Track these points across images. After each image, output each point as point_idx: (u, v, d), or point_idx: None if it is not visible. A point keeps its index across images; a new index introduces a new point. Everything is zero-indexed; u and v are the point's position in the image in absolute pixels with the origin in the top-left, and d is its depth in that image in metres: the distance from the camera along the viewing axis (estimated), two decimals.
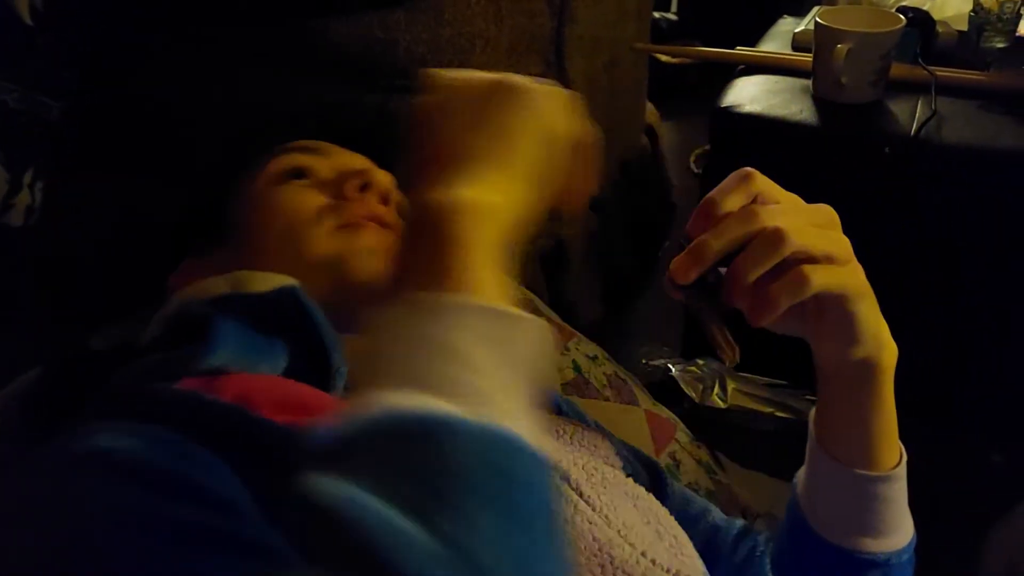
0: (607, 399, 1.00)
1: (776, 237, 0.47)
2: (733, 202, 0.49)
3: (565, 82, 1.27)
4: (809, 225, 0.49)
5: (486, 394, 0.34)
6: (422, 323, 0.36)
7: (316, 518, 0.30)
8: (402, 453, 0.32)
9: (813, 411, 0.61)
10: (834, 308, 0.51)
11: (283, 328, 0.58)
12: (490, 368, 0.35)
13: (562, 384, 0.99)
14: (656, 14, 2.39)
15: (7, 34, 1.02)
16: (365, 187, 0.68)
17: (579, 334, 1.08)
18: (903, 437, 0.60)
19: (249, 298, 0.59)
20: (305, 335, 0.57)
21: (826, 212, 0.52)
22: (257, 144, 0.77)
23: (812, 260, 0.48)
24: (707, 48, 1.56)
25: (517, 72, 1.21)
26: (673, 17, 2.54)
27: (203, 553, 0.37)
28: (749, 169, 0.51)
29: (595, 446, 0.64)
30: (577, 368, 1.01)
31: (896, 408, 0.58)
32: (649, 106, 1.84)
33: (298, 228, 0.66)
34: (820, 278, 0.48)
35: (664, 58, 2.20)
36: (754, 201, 0.50)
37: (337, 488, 0.31)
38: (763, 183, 0.51)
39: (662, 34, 2.36)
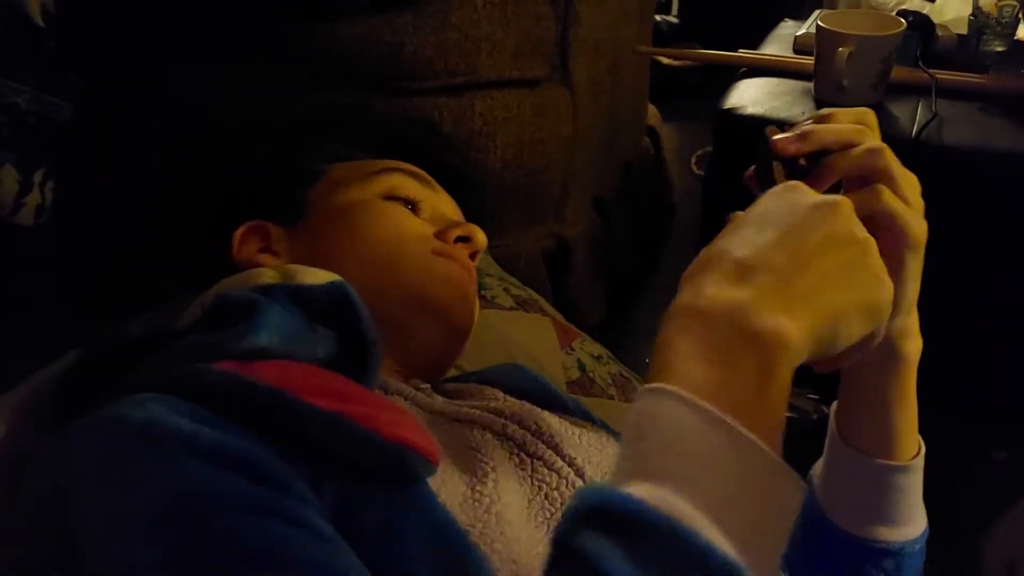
0: (611, 398, 1.01)
1: (879, 153, 0.52)
2: (846, 118, 0.54)
3: (569, 85, 1.28)
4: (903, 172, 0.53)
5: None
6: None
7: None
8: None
9: (834, 405, 0.63)
10: (890, 250, 0.52)
11: (326, 321, 0.59)
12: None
13: (567, 383, 1.00)
14: (657, 17, 2.40)
15: (19, 37, 1.03)
16: (463, 239, 0.73)
17: (584, 334, 1.09)
18: None
19: (297, 288, 0.61)
20: (347, 330, 0.59)
21: (917, 182, 0.55)
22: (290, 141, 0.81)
23: (893, 188, 0.52)
24: (709, 51, 1.57)
25: (523, 73, 1.23)
26: (674, 20, 2.55)
27: (261, 528, 0.41)
28: (865, 108, 0.55)
29: (602, 445, 0.66)
30: (582, 367, 1.02)
31: None
32: (651, 108, 1.85)
33: (402, 243, 0.70)
34: (892, 201, 0.51)
35: (666, 60, 2.21)
36: None
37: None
38: (874, 124, 0.55)
39: (663, 37, 2.37)
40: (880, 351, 0.55)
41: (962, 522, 1.13)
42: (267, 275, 0.63)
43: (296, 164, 0.79)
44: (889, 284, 0.46)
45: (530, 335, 1.02)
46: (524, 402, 0.66)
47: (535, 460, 0.58)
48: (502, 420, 0.61)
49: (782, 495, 0.38)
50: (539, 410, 0.65)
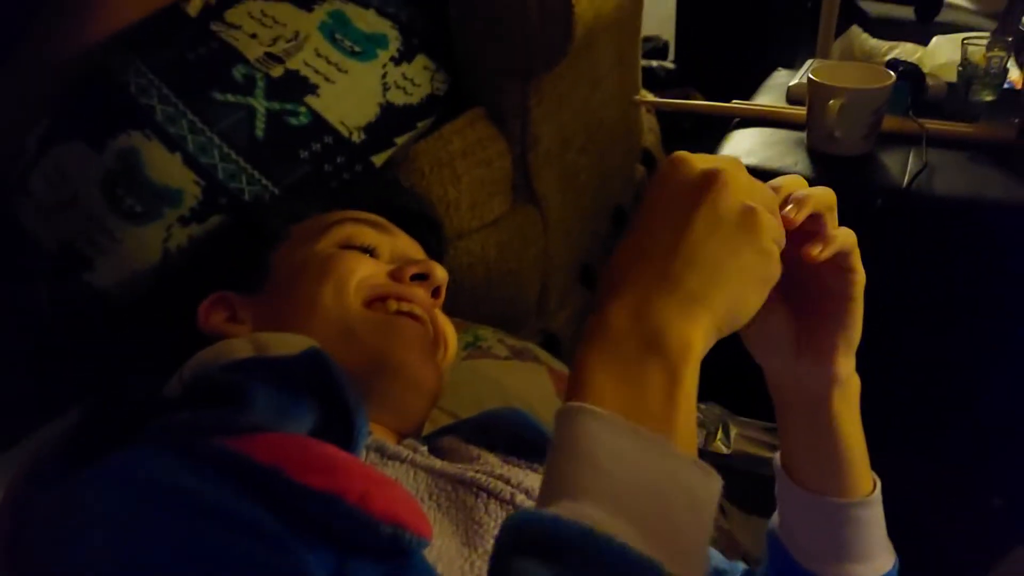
0: None
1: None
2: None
3: (535, 201, 1.24)
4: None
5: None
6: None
7: None
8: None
9: (777, 455, 0.63)
10: (848, 288, 0.54)
11: (307, 390, 0.60)
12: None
13: None
14: (654, 63, 2.43)
15: None
16: (420, 277, 0.73)
17: None
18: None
19: (274, 361, 0.61)
20: (328, 397, 0.60)
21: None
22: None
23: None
24: (704, 102, 1.59)
25: (483, 220, 1.15)
26: (671, 66, 2.58)
27: None
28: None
29: None
30: None
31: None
32: (648, 123, 1.80)
33: (351, 294, 0.70)
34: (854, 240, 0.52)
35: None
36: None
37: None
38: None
39: (660, 82, 2.40)
40: (832, 393, 0.56)
41: (962, 567, 1.13)
42: (241, 348, 0.63)
43: (258, 228, 0.80)
44: (774, 250, 0.45)
45: (525, 383, 1.02)
46: (528, 472, 0.66)
47: None
48: (511, 488, 0.61)
49: (696, 488, 0.39)
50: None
